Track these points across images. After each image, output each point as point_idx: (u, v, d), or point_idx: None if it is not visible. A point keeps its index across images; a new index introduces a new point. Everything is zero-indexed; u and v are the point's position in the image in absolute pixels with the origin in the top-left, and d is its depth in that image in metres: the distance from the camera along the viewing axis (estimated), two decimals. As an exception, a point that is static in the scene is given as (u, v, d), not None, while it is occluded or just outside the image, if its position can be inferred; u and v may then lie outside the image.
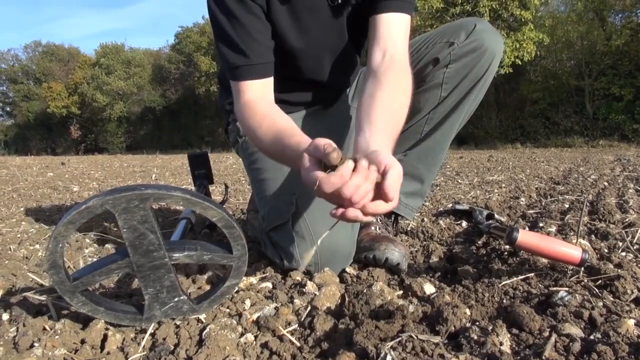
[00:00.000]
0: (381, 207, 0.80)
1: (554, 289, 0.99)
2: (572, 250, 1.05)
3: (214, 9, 1.18)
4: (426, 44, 1.36)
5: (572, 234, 1.55)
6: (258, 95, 1.19)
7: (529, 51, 17.14)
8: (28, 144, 38.07)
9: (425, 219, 1.97)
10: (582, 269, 1.08)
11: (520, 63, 17.31)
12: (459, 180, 3.86)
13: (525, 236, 1.09)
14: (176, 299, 0.85)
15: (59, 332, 0.80)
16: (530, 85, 19.93)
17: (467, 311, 0.84)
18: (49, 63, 39.45)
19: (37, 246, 1.68)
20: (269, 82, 1.23)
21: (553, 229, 1.67)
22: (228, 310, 0.94)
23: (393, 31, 1.20)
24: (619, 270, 1.05)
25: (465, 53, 1.29)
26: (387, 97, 1.06)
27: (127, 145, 35.85)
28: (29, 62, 40.43)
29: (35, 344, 0.77)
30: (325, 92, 1.46)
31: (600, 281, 1.03)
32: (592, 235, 1.54)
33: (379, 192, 0.79)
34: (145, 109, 35.73)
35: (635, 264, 1.14)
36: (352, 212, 0.77)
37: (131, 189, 0.73)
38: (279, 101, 1.44)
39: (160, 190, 0.74)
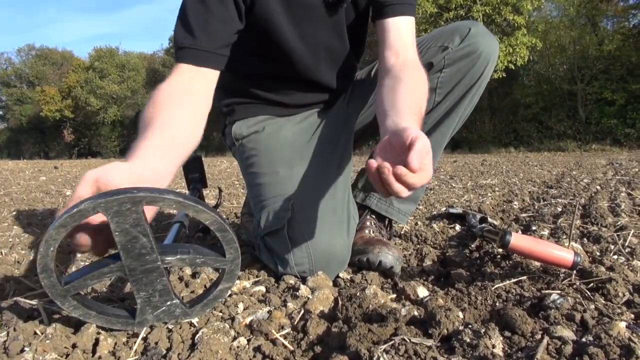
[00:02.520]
0: (411, 178, 0.80)
1: (547, 292, 0.99)
2: (564, 254, 1.06)
3: None
4: (420, 47, 1.36)
5: (564, 237, 1.56)
6: (181, 80, 1.09)
7: (522, 56, 17.25)
8: (21, 147, 37.85)
9: (419, 223, 1.98)
10: (575, 272, 1.08)
11: (513, 68, 17.42)
12: (453, 184, 3.88)
13: (517, 239, 1.09)
14: (169, 303, 0.84)
15: (50, 336, 0.79)
16: (524, 89, 20.07)
17: (460, 314, 0.84)
18: (43, 67, 39.30)
19: (29, 250, 1.67)
20: (207, 73, 1.12)
21: (546, 232, 1.68)
22: (221, 314, 0.94)
23: (402, 34, 1.24)
24: (611, 273, 1.06)
25: (459, 57, 1.30)
26: (408, 87, 1.10)
27: (120, 149, 35.68)
28: (22, 65, 40.25)
29: (26, 349, 0.76)
30: (324, 95, 1.46)
31: (592, 284, 1.03)
32: (585, 239, 1.55)
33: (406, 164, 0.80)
34: (140, 112, 35.55)
35: (626, 266, 1.15)
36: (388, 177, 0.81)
37: (123, 192, 0.72)
38: (277, 104, 1.44)
39: (152, 193, 0.74)
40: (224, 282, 0.87)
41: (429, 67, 1.32)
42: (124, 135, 36.56)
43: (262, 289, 1.11)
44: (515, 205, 2.54)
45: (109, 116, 34.76)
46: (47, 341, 0.78)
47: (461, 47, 1.29)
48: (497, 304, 1.00)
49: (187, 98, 1.07)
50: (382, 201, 1.44)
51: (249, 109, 1.43)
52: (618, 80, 17.17)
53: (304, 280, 1.16)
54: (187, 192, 1.92)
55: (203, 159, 1.98)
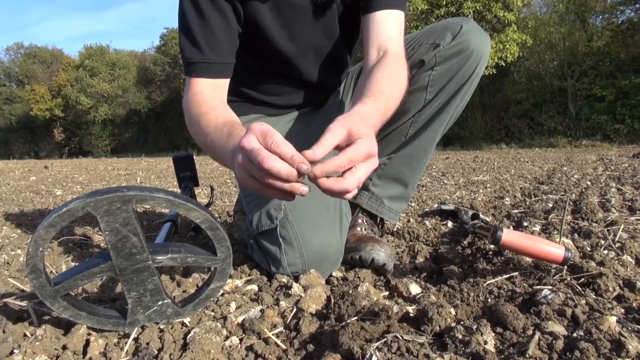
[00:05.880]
0: (326, 182, 0.78)
1: (538, 287, 0.99)
2: (555, 249, 1.06)
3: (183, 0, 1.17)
4: (412, 44, 1.36)
5: (555, 232, 1.57)
6: (209, 91, 1.16)
7: (512, 52, 17.37)
8: (10, 147, 37.52)
9: (411, 220, 1.98)
10: (565, 267, 1.09)
11: (503, 64, 17.52)
12: (445, 181, 3.89)
13: (509, 235, 1.10)
14: (160, 303, 0.84)
15: (40, 338, 0.79)
16: (514, 86, 20.19)
17: (452, 311, 0.84)
18: (32, 65, 38.97)
19: (19, 251, 1.66)
20: (223, 83, 1.21)
21: (537, 228, 1.69)
22: (213, 313, 0.93)
23: (387, 27, 1.22)
24: (601, 268, 1.06)
25: (451, 55, 1.29)
26: (376, 76, 1.08)
27: (112, 149, 35.50)
28: (12, 64, 39.92)
29: (15, 351, 0.75)
30: (315, 94, 1.46)
31: (583, 279, 1.04)
32: (575, 234, 1.55)
33: None
34: (131, 111, 35.45)
35: (617, 261, 1.16)
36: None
37: (113, 191, 0.72)
38: (267, 104, 1.43)
39: (142, 192, 0.73)
40: (216, 281, 0.86)
41: (420, 64, 1.32)
42: (115, 134, 36.35)
43: (255, 287, 1.11)
44: (507, 201, 2.55)
45: (100, 115, 34.54)
46: (37, 343, 0.77)
47: (453, 45, 1.28)
48: (489, 300, 1.00)
49: (226, 105, 1.18)
50: (373, 199, 1.44)
51: (240, 107, 1.42)
52: (607, 77, 17.34)
53: (296, 279, 1.15)
54: (178, 190, 1.91)
55: (194, 157, 1.97)
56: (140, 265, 0.79)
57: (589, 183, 3.21)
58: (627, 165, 4.97)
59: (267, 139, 0.76)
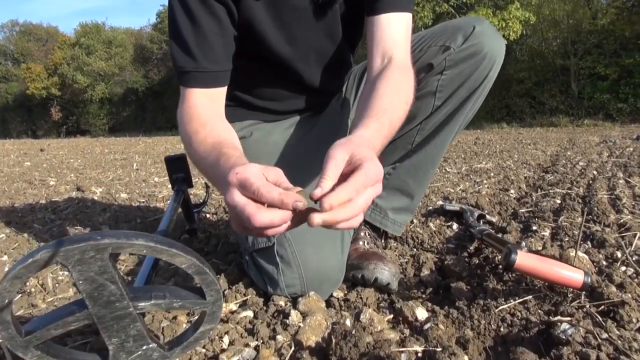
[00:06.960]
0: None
1: (555, 318, 0.92)
2: (573, 274, 0.99)
3: (172, 2, 1.06)
4: (420, 46, 1.26)
5: (567, 239, 1.50)
6: (203, 103, 1.07)
7: (515, 30, 17.06)
8: (8, 126, 37.27)
9: (415, 221, 1.90)
10: (584, 292, 1.02)
11: (506, 42, 17.20)
12: (447, 169, 3.81)
13: (523, 259, 1.02)
14: (144, 347, 0.76)
15: (13, 389, 0.72)
16: (517, 64, 19.89)
17: (466, 358, 0.77)
18: (27, 43, 38.45)
19: (5, 257, 1.59)
20: (219, 92, 1.11)
21: (547, 232, 1.62)
22: (204, 350, 0.86)
23: (393, 31, 1.11)
24: (622, 295, 0.99)
25: (462, 59, 1.19)
26: (380, 94, 0.98)
27: (109, 127, 35.24)
28: (6, 42, 39.41)
29: (-16, 408, 0.68)
30: (315, 99, 1.36)
31: (602, 307, 0.97)
32: (588, 242, 1.48)
33: None
34: (128, 90, 35.08)
35: (636, 281, 1.09)
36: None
37: (85, 239, 0.63)
38: (264, 110, 1.34)
39: (119, 239, 0.64)
40: (206, 323, 0.79)
41: (428, 68, 1.22)
42: (113, 113, 36.06)
43: (250, 314, 1.03)
44: (512, 194, 2.48)
45: (97, 94, 34.20)
46: (7, 399, 0.70)
47: (464, 48, 1.18)
48: (502, 329, 0.93)
49: (220, 117, 1.09)
50: (376, 212, 1.36)
51: (235, 112, 1.32)
52: (611, 55, 17.08)
53: (294, 302, 1.08)
54: (171, 192, 1.83)
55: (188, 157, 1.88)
56: (121, 313, 0.71)
57: (595, 172, 3.12)
58: (632, 149, 4.88)
59: (248, 190, 0.69)
